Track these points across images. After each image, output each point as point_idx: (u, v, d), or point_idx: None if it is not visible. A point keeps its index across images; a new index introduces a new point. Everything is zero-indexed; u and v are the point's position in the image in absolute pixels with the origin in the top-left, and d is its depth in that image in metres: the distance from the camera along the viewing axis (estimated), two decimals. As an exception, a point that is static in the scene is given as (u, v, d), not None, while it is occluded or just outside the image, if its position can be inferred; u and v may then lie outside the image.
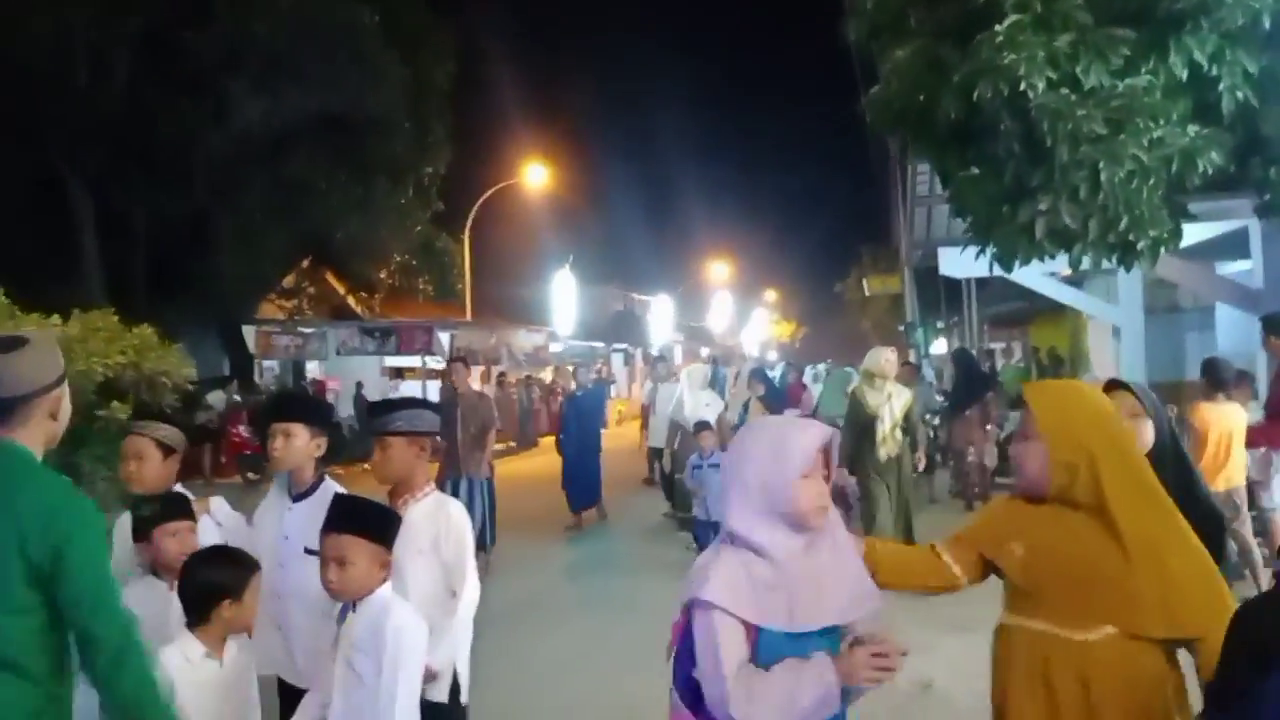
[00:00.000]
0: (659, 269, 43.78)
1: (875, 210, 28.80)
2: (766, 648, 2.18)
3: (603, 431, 12.87)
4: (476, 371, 27.01)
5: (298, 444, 3.66)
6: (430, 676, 3.20)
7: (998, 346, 29.57)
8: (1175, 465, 3.10)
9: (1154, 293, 15.93)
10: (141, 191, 18.42)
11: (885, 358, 8.80)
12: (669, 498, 11.51)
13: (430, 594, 3.41)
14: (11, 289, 12.80)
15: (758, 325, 60.57)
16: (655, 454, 11.65)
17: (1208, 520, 2.80)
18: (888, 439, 8.53)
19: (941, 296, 24.40)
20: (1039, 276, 13.59)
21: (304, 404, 4.38)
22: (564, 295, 29.94)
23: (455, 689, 3.44)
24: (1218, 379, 6.73)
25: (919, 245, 19.14)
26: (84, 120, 17.65)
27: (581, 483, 11.92)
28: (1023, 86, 6.88)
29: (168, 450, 3.74)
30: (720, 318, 53.69)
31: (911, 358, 22.78)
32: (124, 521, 3.59)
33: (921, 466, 9.32)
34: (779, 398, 11.69)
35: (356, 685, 2.84)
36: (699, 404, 10.79)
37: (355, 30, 18.67)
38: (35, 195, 18.15)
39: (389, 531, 2.98)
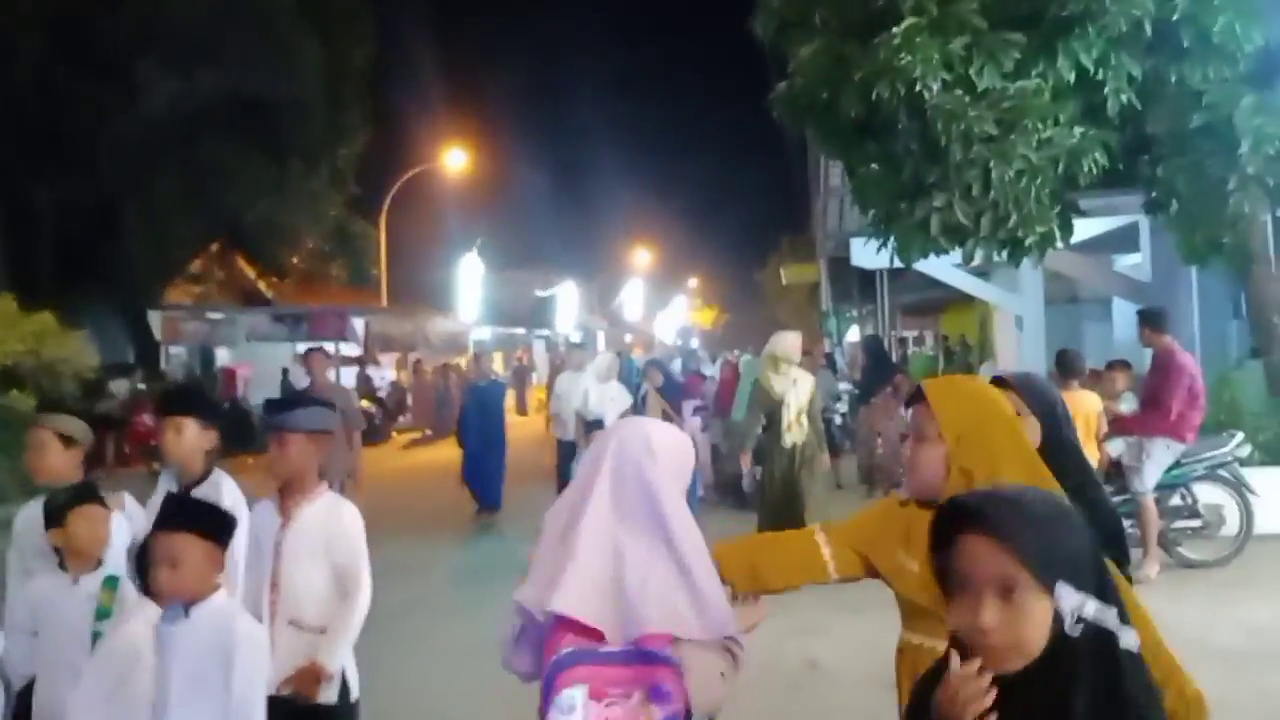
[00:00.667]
0: (580, 254, 43.71)
1: (795, 199, 29.22)
2: None
3: (506, 423, 12.18)
4: (392, 358, 26.82)
5: (188, 437, 3.71)
6: (326, 678, 3.18)
7: (910, 334, 30.28)
8: (1064, 463, 2.78)
9: (1054, 284, 16.48)
10: (48, 177, 17.90)
11: (791, 342, 8.41)
12: None
13: (321, 595, 3.36)
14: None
15: (675, 312, 60.46)
16: (563, 447, 10.77)
17: (1106, 522, 2.78)
18: (793, 425, 8.21)
19: (855, 286, 24.88)
20: (946, 267, 13.98)
21: (193, 398, 4.37)
22: (471, 280, 29.17)
23: (345, 689, 3.42)
24: (1068, 369, 7.04)
25: (832, 235, 19.50)
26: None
27: (485, 478, 11.39)
28: (919, 87, 7.14)
29: (69, 441, 3.72)
30: (634, 304, 52.73)
31: (826, 346, 23.28)
32: (29, 511, 3.58)
33: (826, 466, 8.74)
34: (676, 390, 11.24)
35: (198, 695, 2.67)
36: (604, 397, 10.28)
37: (272, 11, 18.33)
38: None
39: (223, 530, 2.86)
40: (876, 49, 7.33)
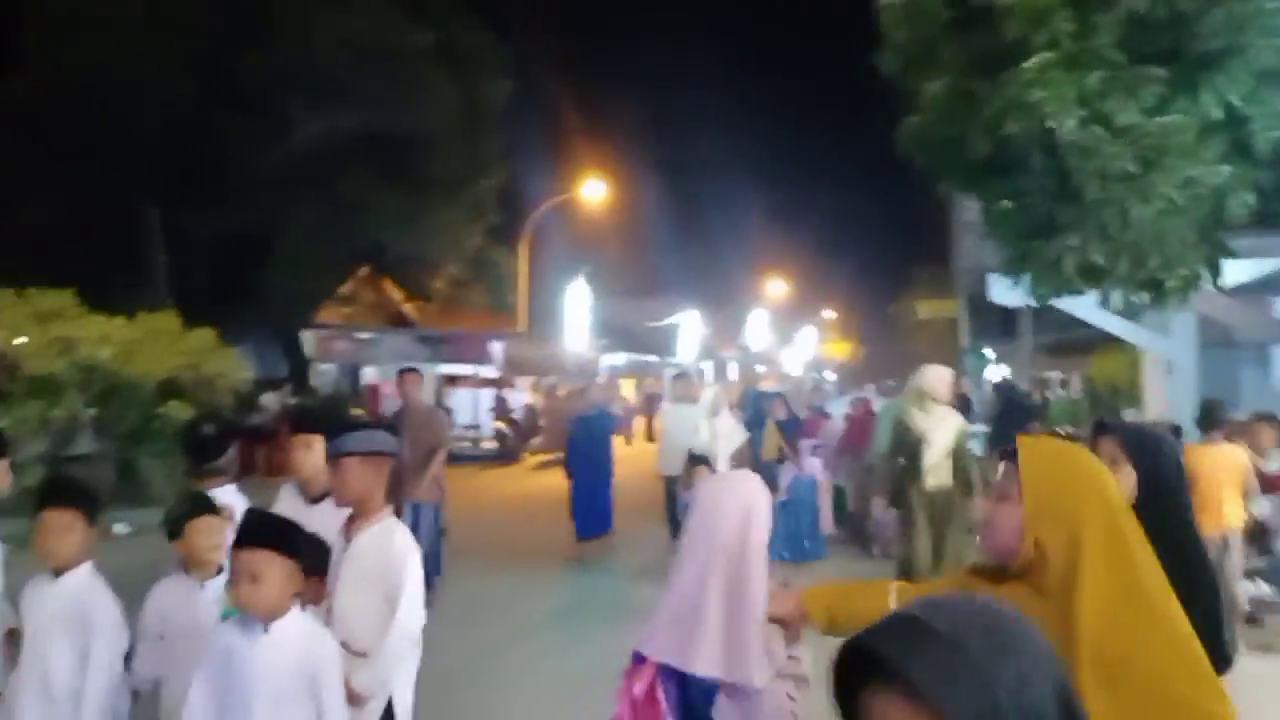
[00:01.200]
0: (705, 284, 43.62)
1: (931, 230, 28.64)
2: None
3: (613, 455, 11.71)
4: (527, 382, 27.45)
5: (316, 453, 3.91)
6: (355, 701, 3.14)
7: (1054, 376, 29.11)
8: (1159, 520, 2.55)
9: (1209, 327, 15.64)
10: (205, 207, 19.24)
11: (940, 377, 7.79)
12: (674, 535, 9.83)
13: (372, 623, 3.33)
14: (85, 294, 13.55)
15: (803, 343, 59.55)
16: (668, 483, 10.25)
17: (1203, 602, 2.57)
18: (937, 468, 7.54)
19: (996, 322, 24.13)
20: (1090, 306, 13.44)
21: (325, 418, 4.60)
22: (578, 306, 28.95)
23: (389, 714, 3.39)
24: (1209, 420, 6.63)
25: (970, 270, 18.99)
26: (147, 142, 18.56)
27: (590, 510, 10.95)
28: (1050, 123, 6.94)
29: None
30: (760, 335, 51.05)
31: (964, 387, 22.60)
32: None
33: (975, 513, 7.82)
34: (797, 427, 10.87)
35: (280, 711, 2.76)
36: (716, 433, 9.81)
37: (409, 52, 19.24)
38: (107, 210, 19.17)
39: (301, 547, 2.91)
40: (1005, 85, 7.17)
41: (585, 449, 11.15)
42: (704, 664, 2.34)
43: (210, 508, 3.64)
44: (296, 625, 2.83)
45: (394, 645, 3.32)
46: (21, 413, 11.85)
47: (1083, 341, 23.50)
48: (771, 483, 3.17)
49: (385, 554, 3.37)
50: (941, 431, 7.53)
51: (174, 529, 3.57)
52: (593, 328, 30.45)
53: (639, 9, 73.28)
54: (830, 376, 52.89)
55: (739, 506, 2.49)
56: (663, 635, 2.41)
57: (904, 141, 8.37)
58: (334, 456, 3.42)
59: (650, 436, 26.24)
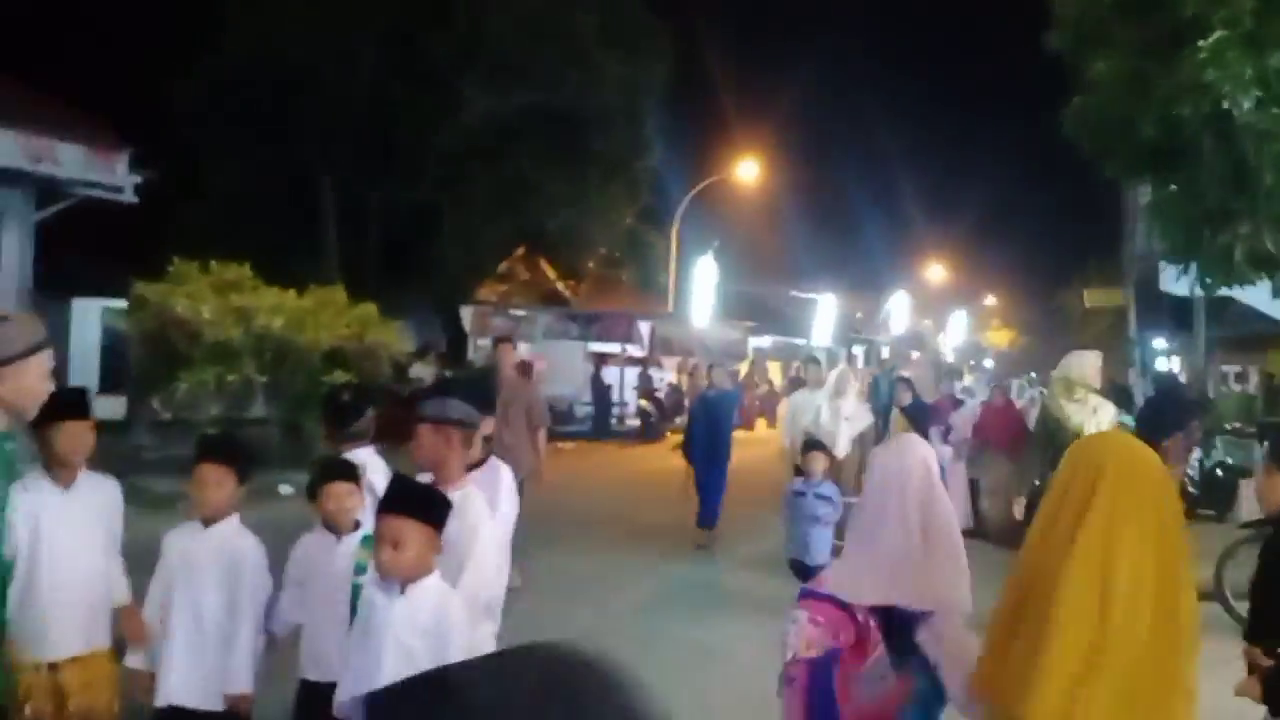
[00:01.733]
0: (860, 268, 42.81)
1: (1101, 217, 27.28)
2: None
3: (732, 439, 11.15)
4: (673, 362, 27.66)
5: None
6: None
7: (1231, 370, 27.37)
8: None
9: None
10: (378, 182, 20.17)
11: (1088, 363, 7.44)
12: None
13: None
14: (261, 266, 14.45)
15: (954, 329, 57.57)
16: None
17: None
18: None
19: (1167, 313, 22.83)
20: (1267, 297, 12.66)
21: (477, 390, 4.73)
22: (705, 283, 27.62)
23: None
24: None
25: (1141, 258, 18.09)
26: (331, 119, 19.54)
27: (704, 495, 10.53)
28: (1226, 105, 6.57)
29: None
30: (899, 320, 48.30)
31: (1131, 378, 21.47)
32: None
33: None
34: (924, 412, 10.35)
35: (407, 670, 2.71)
36: (837, 415, 9.32)
37: (578, 31, 19.59)
38: (287, 183, 20.30)
39: (442, 514, 3.00)
40: (1179, 65, 6.82)
41: (705, 432, 10.67)
42: (917, 599, 2.71)
43: (341, 472, 3.85)
44: (432, 589, 2.94)
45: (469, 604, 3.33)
46: (200, 376, 12.74)
47: (1263, 336, 21.98)
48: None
49: (461, 522, 3.34)
50: (1096, 423, 7.09)
51: (311, 491, 3.85)
52: (737, 308, 30.20)
53: (800, -11, 72.30)
54: (988, 364, 51.24)
55: (920, 461, 2.84)
56: (870, 579, 2.73)
57: (1069, 123, 8.07)
58: (419, 420, 3.43)
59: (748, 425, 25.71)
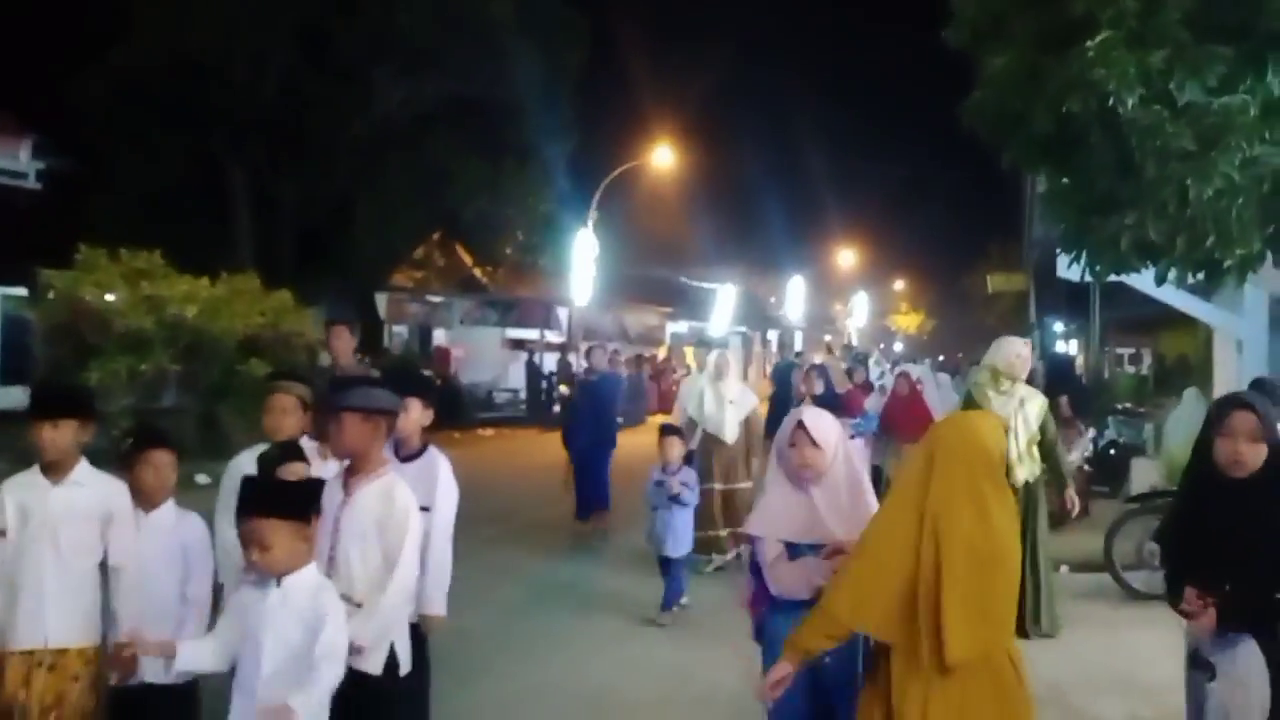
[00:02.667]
0: (766, 253, 43.29)
1: (1003, 202, 28.21)
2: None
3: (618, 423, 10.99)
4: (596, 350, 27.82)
5: (413, 416, 4.18)
6: (355, 650, 3.24)
7: (1126, 352, 28.64)
8: None
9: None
10: (292, 172, 20.03)
11: (1017, 351, 6.98)
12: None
13: (369, 576, 3.45)
14: (172, 255, 14.20)
15: (856, 312, 58.48)
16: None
17: None
18: (1023, 459, 6.69)
19: (1065, 297, 23.79)
20: (1162, 284, 13.31)
21: (418, 381, 4.84)
22: (582, 258, 25.42)
23: (392, 664, 3.50)
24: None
25: (1039, 244, 18.84)
26: (244, 110, 19.37)
27: (589, 483, 10.30)
28: (1112, 102, 6.96)
29: (306, 406, 4.29)
30: (794, 305, 48.22)
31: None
32: (242, 459, 4.17)
33: (1075, 510, 7.26)
34: (834, 402, 9.76)
35: (287, 659, 2.91)
36: (721, 399, 9.04)
37: (491, 21, 19.64)
38: (197, 174, 20.08)
39: (304, 505, 3.00)
40: (1070, 61, 7.19)
41: (590, 418, 10.41)
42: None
43: (299, 454, 3.99)
44: (307, 582, 2.99)
45: (394, 599, 3.45)
46: (112, 366, 12.52)
47: (1154, 318, 23.00)
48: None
49: (387, 510, 3.47)
50: (1023, 416, 6.75)
51: (265, 472, 3.85)
52: (654, 293, 30.23)
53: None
54: (898, 348, 52.38)
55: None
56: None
57: (969, 115, 8.41)
58: (336, 410, 3.51)
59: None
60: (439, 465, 4.15)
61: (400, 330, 26.54)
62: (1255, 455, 3.27)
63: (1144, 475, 11.18)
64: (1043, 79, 7.55)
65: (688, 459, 7.79)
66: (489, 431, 21.73)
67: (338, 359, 7.30)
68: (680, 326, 35.40)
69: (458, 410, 21.20)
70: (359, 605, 3.38)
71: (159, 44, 18.58)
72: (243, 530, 2.95)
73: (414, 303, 25.74)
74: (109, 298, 13.10)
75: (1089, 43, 7.00)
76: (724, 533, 9.03)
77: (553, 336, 26.21)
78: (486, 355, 26.35)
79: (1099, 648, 6.87)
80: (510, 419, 23.34)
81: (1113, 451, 12.98)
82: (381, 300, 24.67)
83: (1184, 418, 10.60)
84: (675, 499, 7.28)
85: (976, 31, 8.43)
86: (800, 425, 3.50)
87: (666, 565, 7.51)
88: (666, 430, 7.66)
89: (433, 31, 19.39)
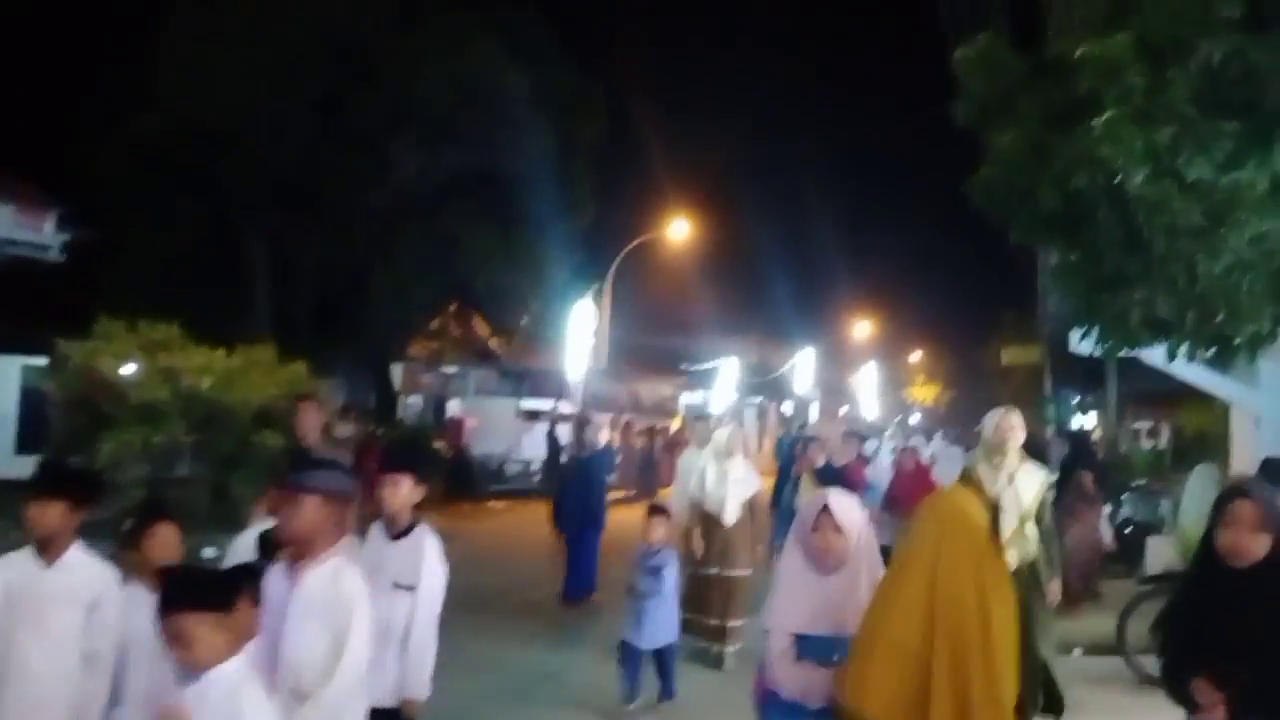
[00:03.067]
0: (778, 324, 43.12)
1: (1017, 275, 28.24)
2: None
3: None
4: (605, 419, 27.80)
5: (403, 492, 4.12)
6: None
7: (1143, 426, 28.38)
8: None
9: (1300, 380, 15.17)
10: (309, 241, 20.28)
11: (995, 422, 6.62)
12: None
13: (314, 661, 3.30)
14: (190, 323, 14.32)
15: (867, 385, 58.04)
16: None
17: None
18: (1016, 539, 6.29)
19: (1080, 371, 23.66)
20: (1177, 360, 13.24)
21: (413, 456, 4.79)
22: (580, 328, 25.13)
23: None
24: (1274, 478, 6.46)
25: (1053, 318, 18.79)
26: (262, 179, 19.66)
27: (577, 565, 10.02)
28: (1119, 178, 7.01)
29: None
30: (802, 377, 46.64)
31: (1046, 435, 22.10)
32: (247, 538, 4.15)
33: (1054, 598, 6.65)
34: (835, 477, 9.36)
35: None
36: (724, 478, 8.51)
37: (508, 94, 20.03)
38: (215, 243, 20.34)
39: (224, 595, 2.83)
40: (1077, 138, 7.26)
41: (580, 496, 10.14)
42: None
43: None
44: (225, 677, 2.81)
45: (342, 686, 3.28)
46: (126, 437, 12.55)
47: (1173, 391, 22.75)
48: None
49: (334, 594, 3.33)
50: (1014, 493, 6.38)
51: (267, 551, 3.83)
52: (669, 364, 30.12)
53: (728, 56, 74.10)
54: (914, 420, 52.05)
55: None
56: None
57: (974, 192, 8.48)
58: (294, 489, 3.38)
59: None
60: (425, 544, 4.07)
61: (414, 401, 26.63)
62: (1257, 545, 3.20)
63: (1160, 554, 10.95)
64: (1049, 156, 7.62)
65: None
66: (500, 504, 21.55)
67: (305, 436, 7.02)
68: (695, 397, 35.37)
69: (469, 482, 21.13)
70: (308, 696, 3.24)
71: (179, 113, 18.97)
72: (163, 627, 2.79)
73: (429, 374, 25.85)
74: (126, 369, 13.20)
75: (1095, 120, 7.08)
76: (715, 622, 8.33)
77: (566, 407, 26.22)
78: (500, 426, 26.36)
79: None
80: (523, 490, 23.20)
81: (1128, 530, 12.77)
82: (397, 371, 24.80)
83: (1196, 495, 10.41)
84: (646, 595, 6.86)
85: (985, 109, 8.54)
86: (825, 509, 3.44)
87: (631, 655, 6.97)
88: (654, 510, 7.41)
89: (449, 103, 19.77)
